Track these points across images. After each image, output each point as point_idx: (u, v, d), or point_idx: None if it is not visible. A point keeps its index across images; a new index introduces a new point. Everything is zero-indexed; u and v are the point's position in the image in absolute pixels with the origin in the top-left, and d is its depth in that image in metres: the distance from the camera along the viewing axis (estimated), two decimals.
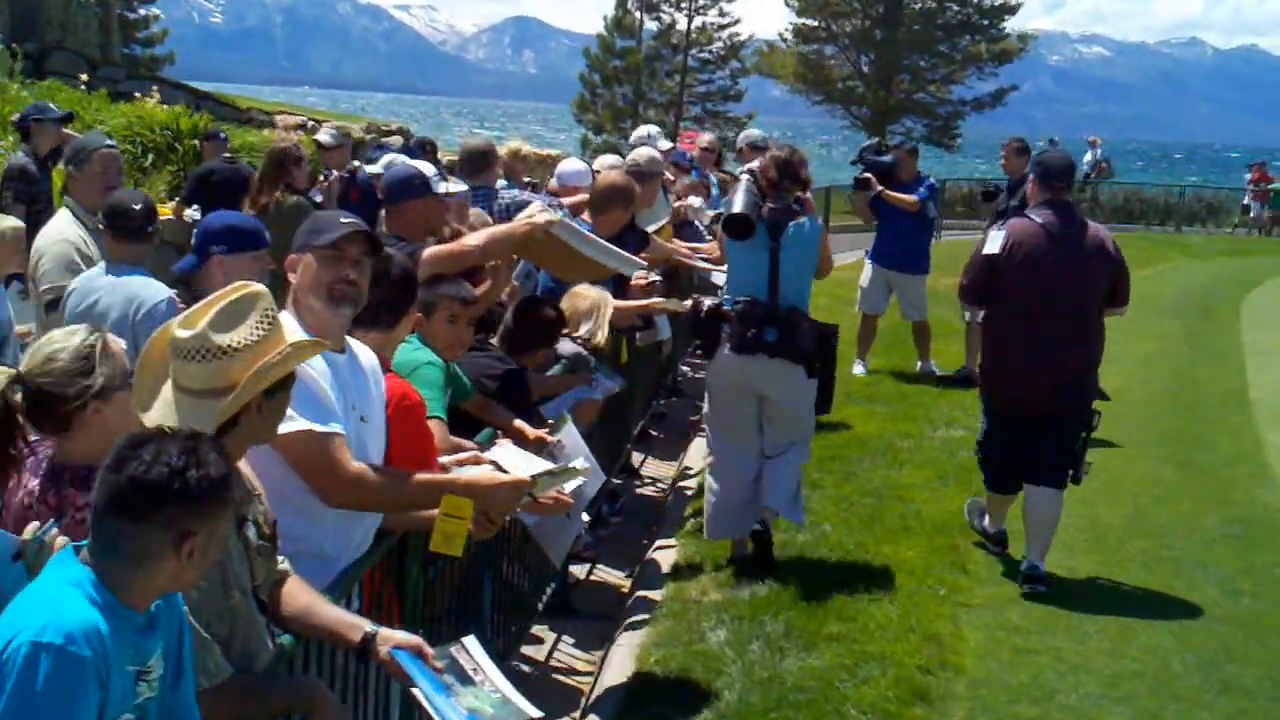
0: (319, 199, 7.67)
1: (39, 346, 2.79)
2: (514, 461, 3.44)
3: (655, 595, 5.74)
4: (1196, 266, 20.47)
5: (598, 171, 7.75)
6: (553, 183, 8.37)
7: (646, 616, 5.46)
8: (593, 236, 5.08)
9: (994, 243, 5.88)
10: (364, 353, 3.31)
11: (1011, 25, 36.02)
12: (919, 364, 10.47)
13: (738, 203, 5.69)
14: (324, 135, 9.75)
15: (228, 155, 9.42)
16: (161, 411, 2.53)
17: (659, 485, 7.90)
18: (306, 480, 2.98)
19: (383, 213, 5.42)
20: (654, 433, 8.84)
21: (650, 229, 7.00)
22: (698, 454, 7.73)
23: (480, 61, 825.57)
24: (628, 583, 6.19)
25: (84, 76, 15.81)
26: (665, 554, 6.33)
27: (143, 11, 37.03)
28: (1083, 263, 5.76)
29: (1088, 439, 5.85)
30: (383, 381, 3.37)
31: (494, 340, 5.28)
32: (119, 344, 2.84)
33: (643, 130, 10.03)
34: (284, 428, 2.78)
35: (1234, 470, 7.97)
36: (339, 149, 9.25)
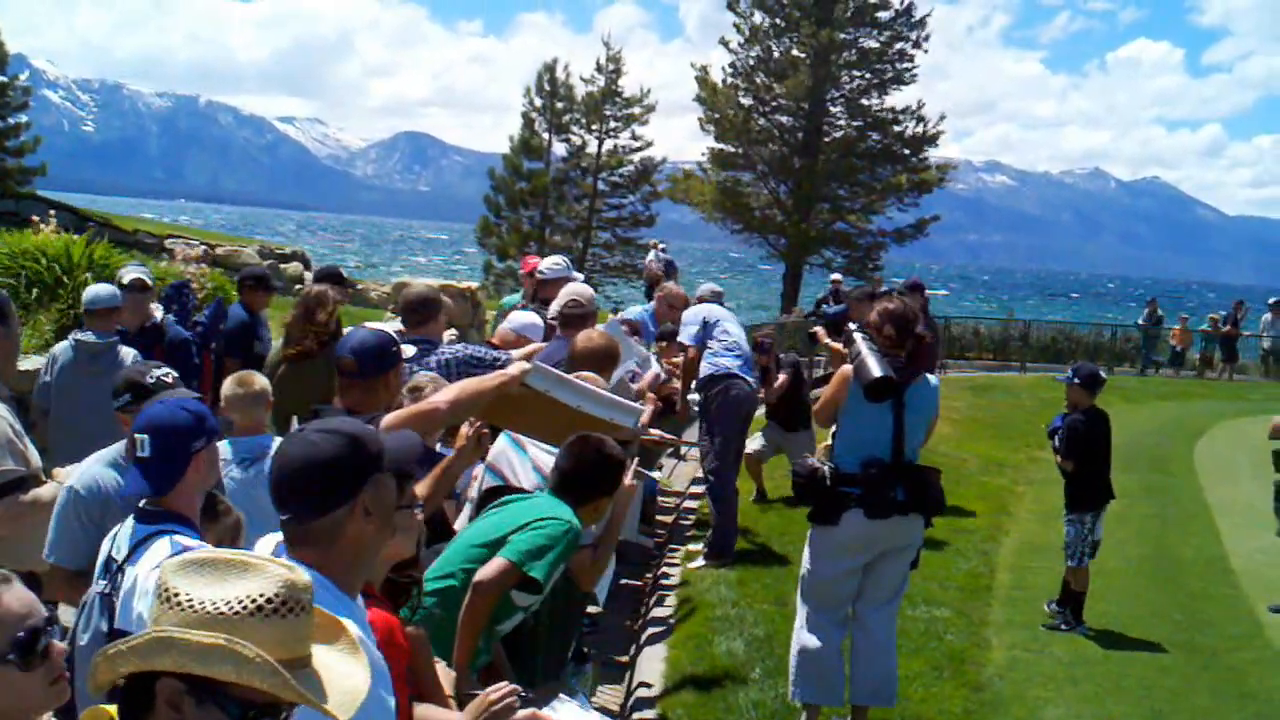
0: None
1: None
2: None
3: None
4: (1138, 412, 20.40)
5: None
6: (504, 328, 7.60)
7: None
8: (582, 384, 4.55)
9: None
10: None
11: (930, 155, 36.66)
12: None
13: (875, 366, 5.52)
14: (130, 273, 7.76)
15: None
16: None
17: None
18: None
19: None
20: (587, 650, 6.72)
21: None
22: (653, 673, 6.90)
23: (368, 177, 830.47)
24: None
25: None
26: None
27: (12, 120, 36.01)
28: None
29: None
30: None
31: None
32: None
33: (554, 259, 9.22)
34: None
35: (1240, 656, 7.76)
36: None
